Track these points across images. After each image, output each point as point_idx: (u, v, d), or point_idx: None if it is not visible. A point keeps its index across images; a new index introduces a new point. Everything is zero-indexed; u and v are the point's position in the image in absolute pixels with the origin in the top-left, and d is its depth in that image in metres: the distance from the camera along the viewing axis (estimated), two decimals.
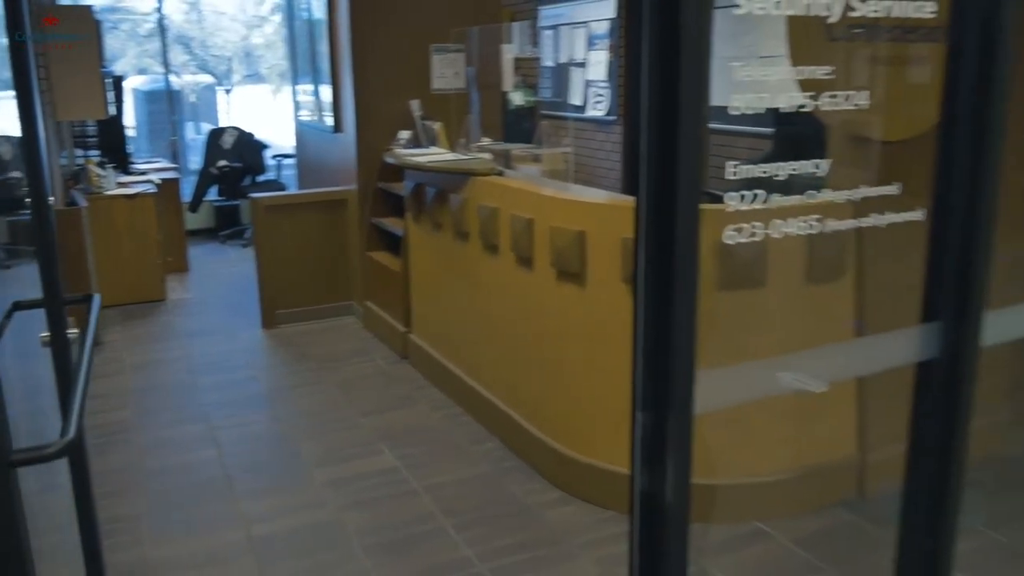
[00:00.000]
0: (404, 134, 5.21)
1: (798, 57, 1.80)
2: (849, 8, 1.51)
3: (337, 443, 3.83)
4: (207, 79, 12.76)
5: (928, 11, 1.62)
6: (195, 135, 11.11)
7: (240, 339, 5.35)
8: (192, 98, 12.13)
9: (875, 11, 1.59)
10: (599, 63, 7.34)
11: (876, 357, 1.85)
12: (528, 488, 3.37)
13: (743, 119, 1.60)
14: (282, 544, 3.04)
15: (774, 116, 1.68)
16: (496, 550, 2.95)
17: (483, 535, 3.04)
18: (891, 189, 1.71)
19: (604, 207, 3.19)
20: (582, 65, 7.59)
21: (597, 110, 7.29)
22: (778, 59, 1.78)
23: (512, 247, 3.50)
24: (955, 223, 1.72)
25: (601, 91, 7.28)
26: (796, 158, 1.70)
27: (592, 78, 7.40)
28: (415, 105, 5.28)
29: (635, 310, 1.42)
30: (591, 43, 7.38)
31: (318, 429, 4.00)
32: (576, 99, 7.65)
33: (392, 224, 5.17)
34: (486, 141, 5.28)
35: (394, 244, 5.12)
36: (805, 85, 1.71)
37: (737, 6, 1.36)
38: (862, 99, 1.67)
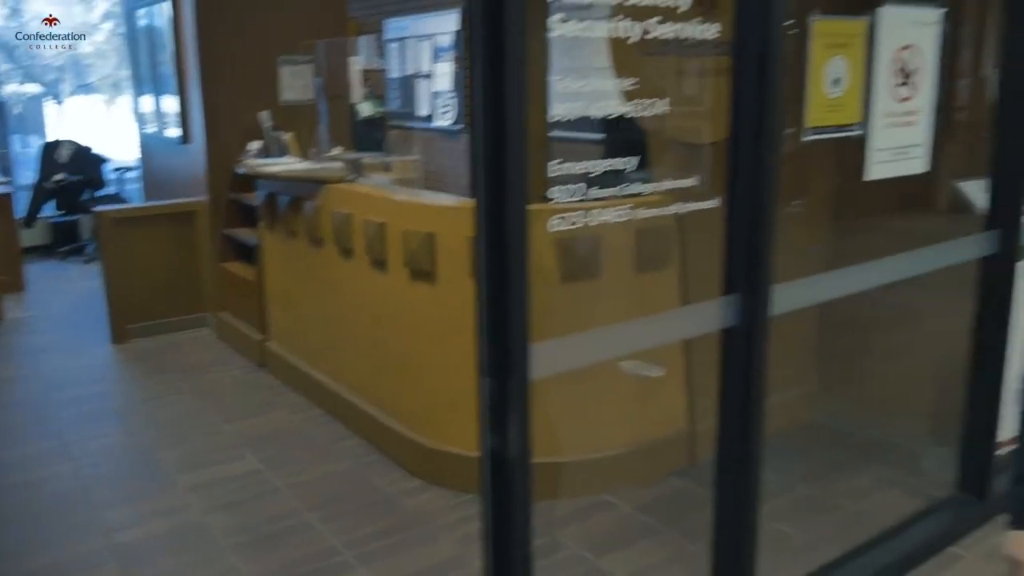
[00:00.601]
0: (255, 145, 5.26)
1: (621, 70, 2.07)
2: (646, 31, 1.78)
3: (198, 450, 3.86)
4: (34, 89, 12.16)
5: (714, 32, 1.92)
6: (22, 148, 10.58)
7: (90, 355, 5.24)
8: (18, 109, 11.54)
9: (672, 32, 1.87)
10: (445, 74, 7.55)
11: (687, 325, 2.14)
12: (390, 479, 3.54)
13: (592, 127, 1.86)
14: (146, 549, 3.07)
15: (604, 123, 1.94)
16: (361, 538, 3.10)
17: (347, 525, 3.18)
18: (691, 182, 2.00)
19: (451, 209, 3.40)
20: (429, 76, 7.79)
21: (444, 120, 7.50)
22: (605, 71, 2.05)
23: (366, 250, 3.66)
24: (743, 210, 2.03)
25: (448, 101, 7.50)
26: (624, 159, 1.97)
27: (439, 89, 7.60)
28: (265, 116, 5.34)
29: (477, 290, 1.64)
30: (437, 55, 7.58)
31: (178, 438, 4.02)
32: (424, 109, 7.84)
33: (245, 234, 5.20)
34: (337, 151, 5.39)
35: (247, 254, 5.16)
36: (628, 94, 1.98)
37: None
38: (662, 107, 1.96)
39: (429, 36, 7.67)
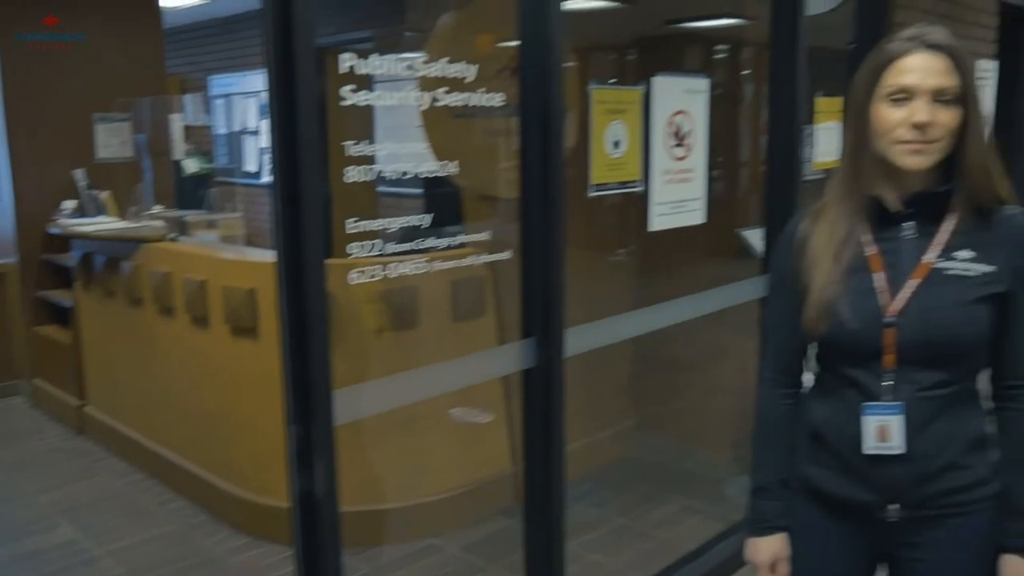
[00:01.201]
0: (69, 204, 5.11)
1: (432, 131, 2.23)
2: (435, 99, 1.96)
3: (9, 523, 3.68)
4: None
5: (499, 100, 2.12)
6: None
7: None
8: None
9: (461, 100, 2.06)
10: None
11: (487, 367, 2.31)
12: (216, 539, 3.50)
13: (416, 184, 2.01)
14: None
15: (424, 180, 2.09)
16: None
17: None
18: (484, 235, 2.18)
19: (272, 265, 3.46)
20: (256, 133, 7.79)
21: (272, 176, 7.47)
22: (419, 132, 2.20)
23: (187, 308, 3.65)
24: (535, 260, 2.22)
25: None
26: (436, 214, 2.12)
27: (266, 145, 7.60)
28: (80, 174, 5.20)
29: (280, 339, 1.74)
30: (263, 112, 7.60)
31: None
32: (252, 165, 7.82)
33: (60, 296, 5.02)
34: (158, 209, 5.32)
35: (63, 316, 4.97)
36: (439, 153, 2.14)
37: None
38: (468, 164, 2.14)
39: (256, 93, 7.69)
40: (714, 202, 3.16)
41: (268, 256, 3.76)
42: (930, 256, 1.43)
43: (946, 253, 1.43)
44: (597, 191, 2.48)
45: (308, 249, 1.68)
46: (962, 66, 1.38)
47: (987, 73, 4.62)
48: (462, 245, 2.13)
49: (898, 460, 1.44)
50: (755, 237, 3.52)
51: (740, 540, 3.35)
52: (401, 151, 2.02)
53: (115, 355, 4.36)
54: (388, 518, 3.36)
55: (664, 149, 2.73)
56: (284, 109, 1.71)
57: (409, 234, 1.99)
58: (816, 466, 1.56)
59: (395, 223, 1.92)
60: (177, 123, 6.04)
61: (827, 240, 1.48)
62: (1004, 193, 1.45)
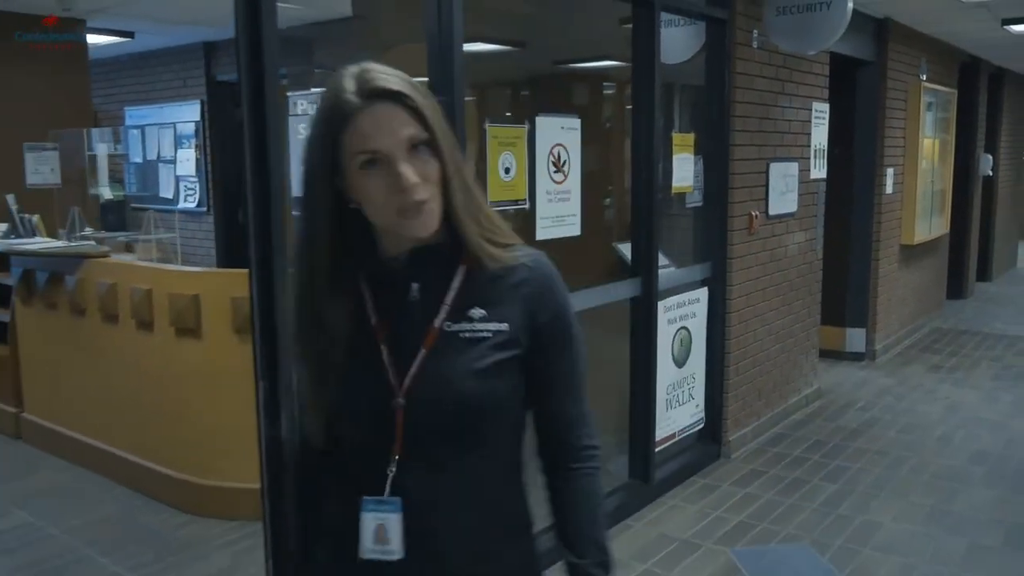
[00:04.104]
0: (2, 226, 5.46)
1: None
2: None
3: None
4: None
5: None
6: None
7: None
8: None
9: None
10: (188, 160, 7.98)
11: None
12: (160, 517, 3.96)
13: None
14: None
15: None
16: (142, 562, 3.52)
17: (127, 554, 3.59)
18: None
19: (216, 274, 3.98)
20: (171, 161, 8.18)
21: (189, 202, 7.90)
22: None
23: (132, 315, 4.11)
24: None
25: (191, 185, 7.92)
26: None
27: (182, 173, 8.01)
28: (11, 199, 5.55)
29: (251, 316, 2.31)
30: (180, 142, 8.00)
31: None
32: (167, 192, 8.20)
33: None
34: (88, 231, 5.71)
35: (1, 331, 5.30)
36: None
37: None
38: None
39: (171, 124, 8.09)
40: (591, 220, 3.83)
41: (208, 268, 4.25)
42: (439, 319, 1.25)
43: (456, 314, 1.25)
44: (495, 207, 3.12)
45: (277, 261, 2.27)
46: (423, 109, 1.18)
47: (821, 114, 5.48)
48: None
49: (404, 565, 1.23)
50: (626, 249, 4.21)
51: (621, 498, 3.99)
52: None
53: (55, 363, 4.74)
54: None
55: (546, 174, 3.40)
56: (256, 138, 2.29)
57: None
58: (335, 563, 1.33)
59: None
60: (98, 152, 6.44)
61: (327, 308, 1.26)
62: (505, 237, 1.28)
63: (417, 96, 1.18)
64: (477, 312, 1.25)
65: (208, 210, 7.73)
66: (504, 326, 1.25)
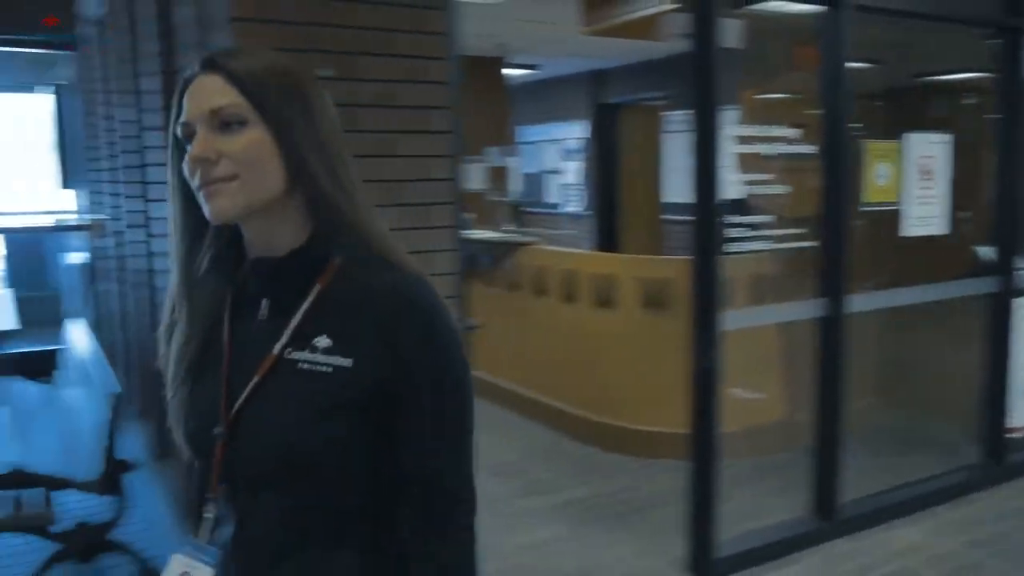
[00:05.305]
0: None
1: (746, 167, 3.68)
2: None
3: None
4: None
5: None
6: None
7: None
8: None
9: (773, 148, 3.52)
10: (572, 171, 9.42)
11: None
12: (585, 451, 5.07)
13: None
14: None
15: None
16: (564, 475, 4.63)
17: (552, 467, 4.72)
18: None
19: (628, 259, 5.02)
20: (557, 172, 9.68)
21: (573, 206, 9.31)
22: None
23: (560, 290, 5.31)
24: (829, 247, 3.62)
25: (576, 192, 9.33)
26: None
27: (567, 182, 9.47)
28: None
29: (692, 287, 3.27)
30: (565, 156, 9.46)
31: None
32: (552, 198, 9.70)
33: None
34: (509, 226, 7.18)
35: None
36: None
37: None
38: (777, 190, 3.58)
39: (558, 140, 9.55)
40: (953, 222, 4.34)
41: (623, 255, 5.25)
42: (279, 344, 1.08)
43: (300, 340, 1.08)
44: (866, 208, 3.85)
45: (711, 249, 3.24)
46: (244, 78, 1.04)
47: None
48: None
49: None
50: (988, 251, 4.63)
51: (967, 475, 4.40)
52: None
53: (494, 329, 6.08)
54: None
55: (914, 180, 4.04)
56: (704, 149, 3.23)
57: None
58: None
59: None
60: (512, 165, 7.93)
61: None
62: (389, 254, 1.10)
63: (242, 66, 1.05)
64: (323, 342, 1.07)
65: (589, 213, 9.07)
66: (348, 362, 1.05)
